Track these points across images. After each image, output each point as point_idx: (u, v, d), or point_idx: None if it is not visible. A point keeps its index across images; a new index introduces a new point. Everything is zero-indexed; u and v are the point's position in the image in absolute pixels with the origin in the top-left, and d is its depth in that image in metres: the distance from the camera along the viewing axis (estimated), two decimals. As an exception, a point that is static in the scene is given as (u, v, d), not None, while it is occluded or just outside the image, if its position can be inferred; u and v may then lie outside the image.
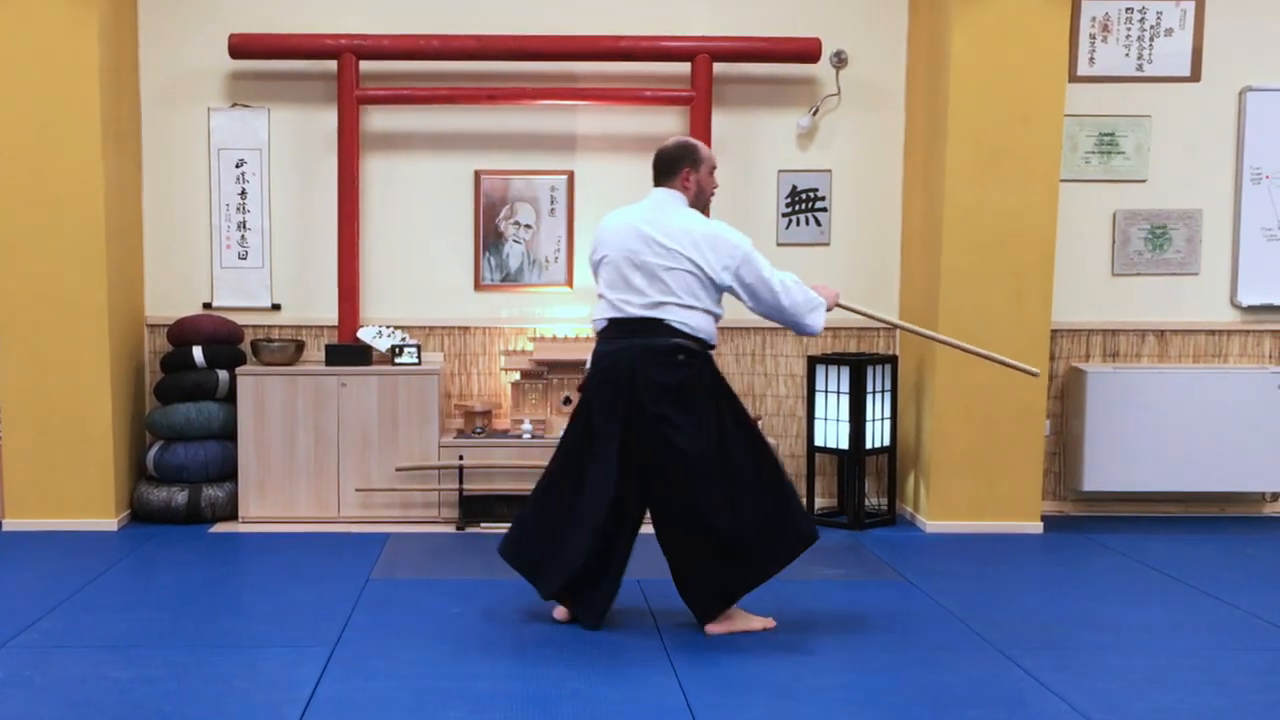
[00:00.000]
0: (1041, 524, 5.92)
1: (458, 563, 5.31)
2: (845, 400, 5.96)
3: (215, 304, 6.30)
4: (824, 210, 6.34)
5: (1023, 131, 5.72)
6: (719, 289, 4.18)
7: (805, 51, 6.07)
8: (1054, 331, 6.14)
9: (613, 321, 4.22)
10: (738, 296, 4.20)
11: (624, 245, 4.17)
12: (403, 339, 6.13)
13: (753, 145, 6.31)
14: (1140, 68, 6.18)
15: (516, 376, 6.20)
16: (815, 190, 6.33)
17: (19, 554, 5.41)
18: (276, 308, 6.34)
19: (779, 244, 6.32)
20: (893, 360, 6.11)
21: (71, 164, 5.68)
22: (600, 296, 4.28)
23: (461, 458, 5.92)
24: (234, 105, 6.26)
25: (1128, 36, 6.16)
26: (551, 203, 6.29)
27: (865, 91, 6.29)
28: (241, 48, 6.02)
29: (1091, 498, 6.37)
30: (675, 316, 4.13)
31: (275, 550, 5.51)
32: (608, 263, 4.22)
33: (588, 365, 4.33)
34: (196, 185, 6.30)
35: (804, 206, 6.34)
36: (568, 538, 4.23)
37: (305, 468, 5.95)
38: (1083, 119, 6.17)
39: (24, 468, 5.80)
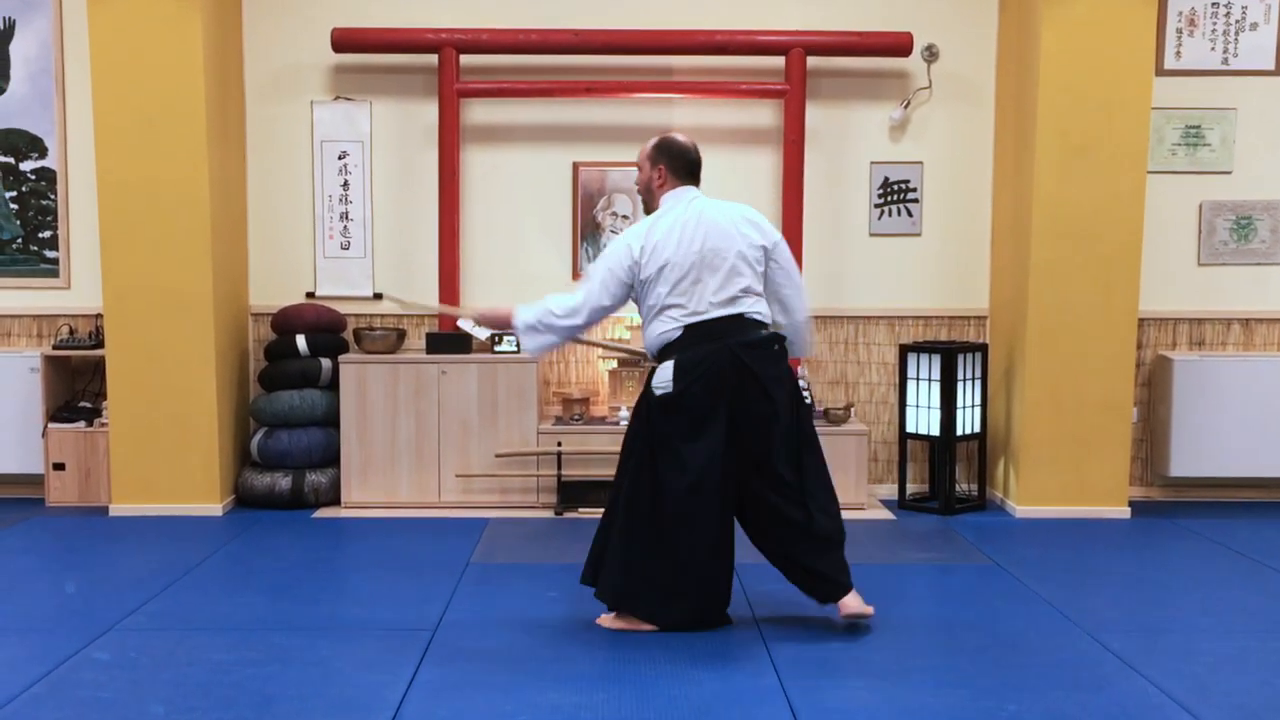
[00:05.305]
0: (1129, 509, 5.95)
1: (556, 547, 5.32)
2: (936, 387, 5.99)
3: (318, 293, 6.35)
4: (915, 201, 6.37)
5: (1110, 124, 5.75)
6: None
7: (897, 45, 6.11)
8: (1141, 320, 6.15)
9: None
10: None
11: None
12: (502, 327, 6.19)
13: (846, 137, 6.34)
14: (1226, 61, 6.21)
15: (613, 364, 6.24)
16: (907, 181, 6.36)
17: (126, 539, 5.46)
18: (378, 297, 6.37)
19: (871, 234, 6.38)
20: (983, 348, 6.13)
21: (177, 157, 5.72)
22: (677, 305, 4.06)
23: (560, 444, 5.94)
24: (337, 98, 6.31)
25: (1213, 31, 6.18)
26: (648, 194, 6.34)
27: (956, 85, 6.32)
28: (344, 42, 6.07)
29: (1178, 483, 6.40)
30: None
31: (377, 535, 5.54)
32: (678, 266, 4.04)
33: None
34: (300, 177, 6.35)
35: (896, 197, 6.37)
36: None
37: (406, 454, 5.99)
38: (1169, 112, 6.19)
39: (131, 454, 5.84)
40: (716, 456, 3.98)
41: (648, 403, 4.09)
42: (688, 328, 4.01)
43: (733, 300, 4.02)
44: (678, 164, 4.18)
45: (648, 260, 4.04)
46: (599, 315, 4.15)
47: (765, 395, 4.00)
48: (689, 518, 4.00)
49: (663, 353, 4.06)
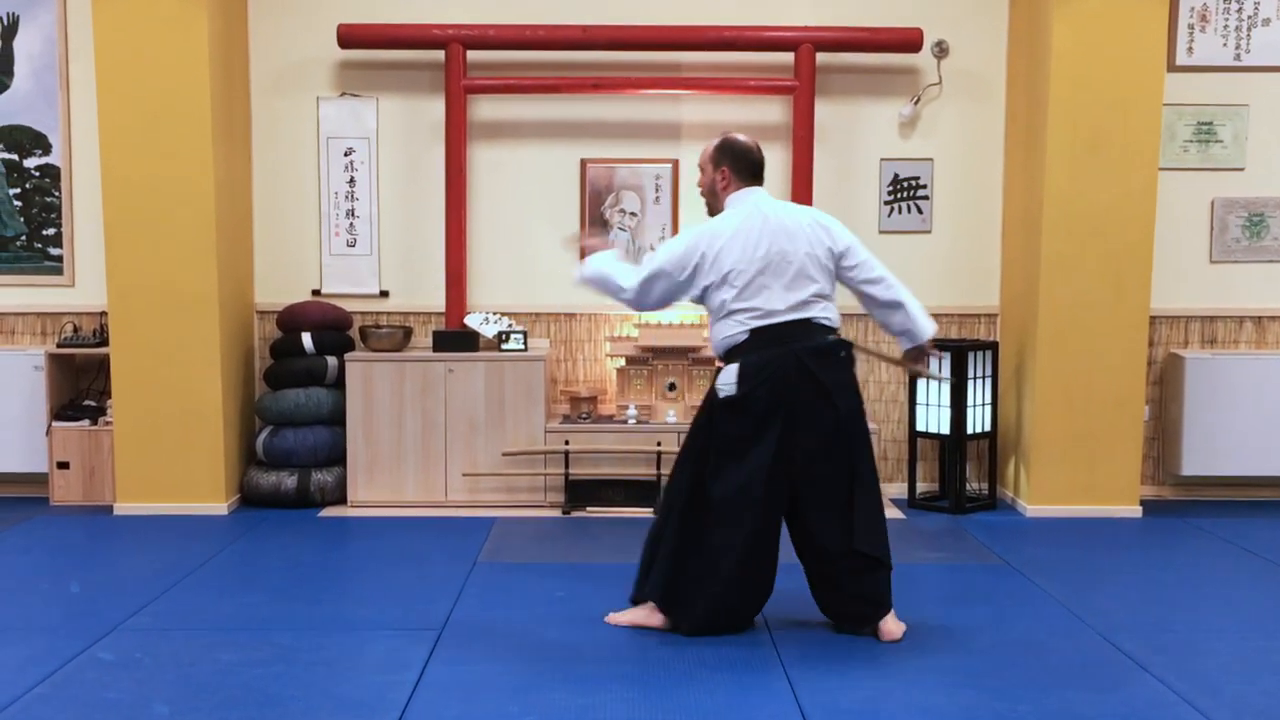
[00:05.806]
0: (1140, 508, 5.91)
1: (563, 547, 5.31)
2: (946, 386, 5.94)
3: (324, 291, 6.32)
4: (925, 198, 6.33)
5: (1122, 121, 5.71)
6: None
7: (907, 41, 6.07)
8: (1152, 318, 6.10)
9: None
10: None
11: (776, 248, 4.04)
12: (509, 325, 6.13)
13: (855, 134, 6.30)
14: (1238, 57, 6.16)
15: (622, 362, 6.20)
16: (917, 178, 6.32)
17: (130, 538, 5.44)
18: (385, 294, 6.35)
19: (881, 231, 6.32)
20: (993, 346, 6.09)
21: (182, 154, 5.68)
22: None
23: (567, 443, 5.91)
24: (343, 95, 6.28)
25: (1226, 27, 6.13)
26: (656, 190, 6.28)
27: (966, 81, 6.28)
28: (350, 38, 6.03)
29: (1190, 482, 6.34)
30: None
31: (383, 534, 5.51)
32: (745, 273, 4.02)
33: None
34: (306, 174, 6.32)
35: (906, 194, 6.34)
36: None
37: (413, 452, 5.95)
38: (1181, 108, 6.14)
39: (135, 453, 5.81)
40: (767, 459, 3.95)
41: (711, 402, 4.08)
42: (754, 331, 3.97)
43: (802, 305, 3.98)
44: (741, 165, 4.12)
45: (710, 266, 3.99)
46: (643, 305, 4.17)
47: (829, 402, 3.97)
48: (731, 517, 3.99)
49: (729, 355, 4.04)
